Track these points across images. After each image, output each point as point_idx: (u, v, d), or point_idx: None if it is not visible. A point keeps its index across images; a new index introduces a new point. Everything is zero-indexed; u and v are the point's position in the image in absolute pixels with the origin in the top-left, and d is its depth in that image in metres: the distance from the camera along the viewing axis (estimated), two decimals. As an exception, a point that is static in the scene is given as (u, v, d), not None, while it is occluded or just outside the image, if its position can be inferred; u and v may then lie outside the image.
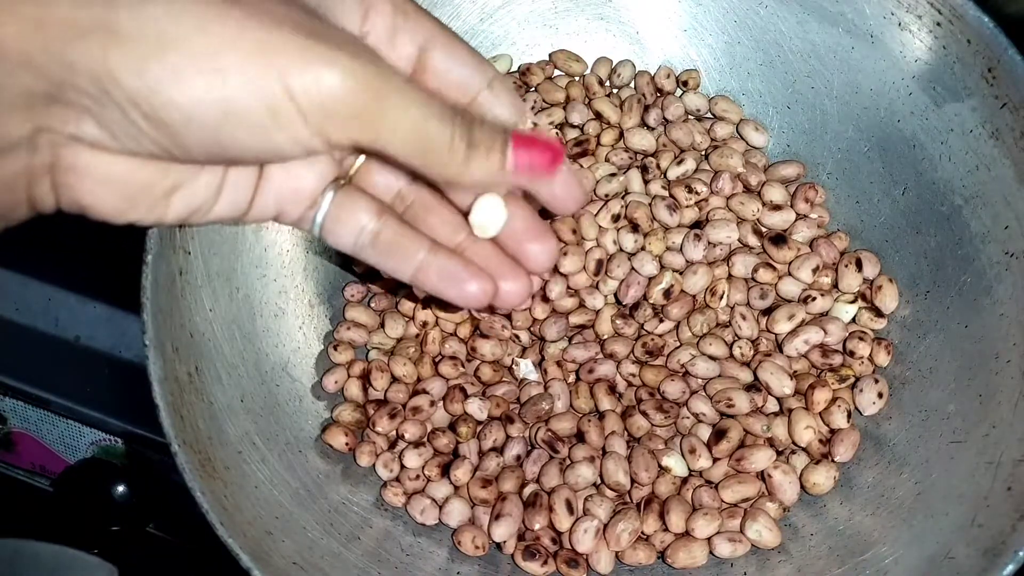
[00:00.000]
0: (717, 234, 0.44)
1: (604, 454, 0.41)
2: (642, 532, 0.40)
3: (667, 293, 0.43)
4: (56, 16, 0.23)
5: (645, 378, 0.42)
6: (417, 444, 0.42)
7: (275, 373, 0.41)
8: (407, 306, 0.44)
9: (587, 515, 0.40)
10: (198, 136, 0.24)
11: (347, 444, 0.42)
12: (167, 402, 0.34)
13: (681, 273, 0.44)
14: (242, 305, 0.40)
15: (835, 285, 0.44)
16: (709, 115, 0.48)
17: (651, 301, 0.43)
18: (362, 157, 0.30)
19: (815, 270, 0.43)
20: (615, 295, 0.44)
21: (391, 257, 0.30)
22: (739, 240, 0.45)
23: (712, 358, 0.42)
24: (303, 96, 0.24)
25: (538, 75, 0.48)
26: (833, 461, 0.41)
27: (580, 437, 0.42)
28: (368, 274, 0.46)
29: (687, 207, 0.45)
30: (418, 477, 0.42)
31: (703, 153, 0.47)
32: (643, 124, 0.47)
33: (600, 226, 0.44)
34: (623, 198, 0.45)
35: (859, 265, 0.43)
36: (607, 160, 0.46)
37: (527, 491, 0.41)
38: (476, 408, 0.42)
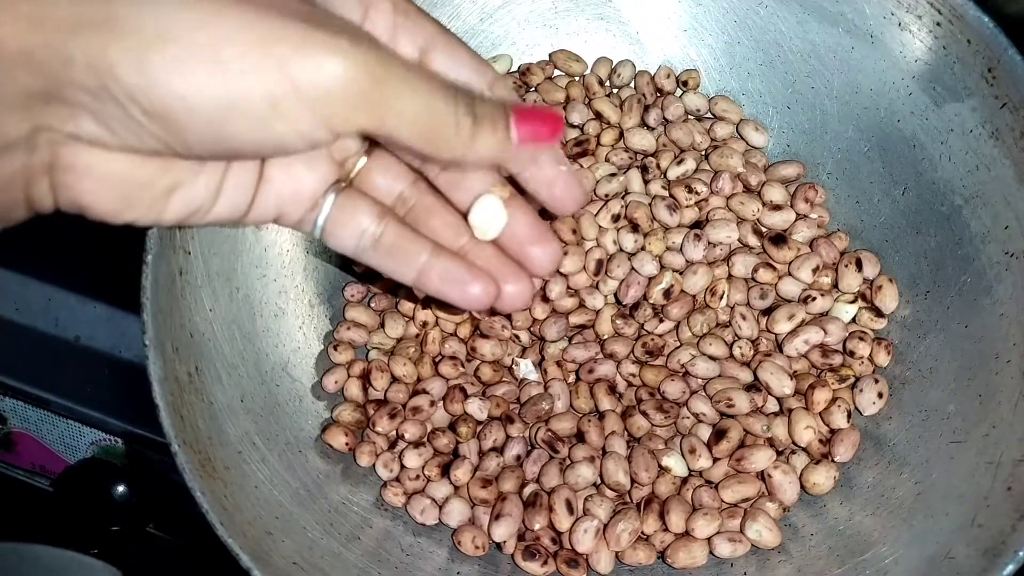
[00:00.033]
0: (717, 234, 0.44)
1: (604, 454, 0.41)
2: (642, 532, 0.40)
3: (667, 293, 0.43)
4: (55, 13, 0.22)
5: (645, 378, 0.42)
6: (417, 444, 0.42)
7: (275, 373, 0.41)
8: (407, 306, 0.44)
9: (587, 515, 0.40)
10: (199, 130, 0.24)
11: (347, 444, 0.42)
12: (167, 402, 0.34)
13: (681, 273, 0.44)
14: (242, 305, 0.40)
15: (835, 285, 0.44)
16: (709, 115, 0.48)
17: (651, 301, 0.43)
18: (363, 159, 0.30)
19: (815, 270, 0.43)
20: (615, 295, 0.44)
21: (393, 260, 0.30)
22: (739, 240, 0.45)
23: (712, 358, 0.42)
24: (306, 85, 0.24)
25: (538, 75, 0.48)
26: (833, 461, 0.41)
27: (580, 437, 0.42)
28: (368, 274, 0.45)
29: (687, 207, 0.45)
30: (418, 477, 0.42)
31: (703, 153, 0.47)
32: (643, 124, 0.47)
33: (600, 226, 0.44)
34: (623, 198, 0.45)
35: (859, 265, 0.43)
36: (607, 160, 0.46)
37: (527, 491, 0.41)
38: (476, 408, 0.42)
